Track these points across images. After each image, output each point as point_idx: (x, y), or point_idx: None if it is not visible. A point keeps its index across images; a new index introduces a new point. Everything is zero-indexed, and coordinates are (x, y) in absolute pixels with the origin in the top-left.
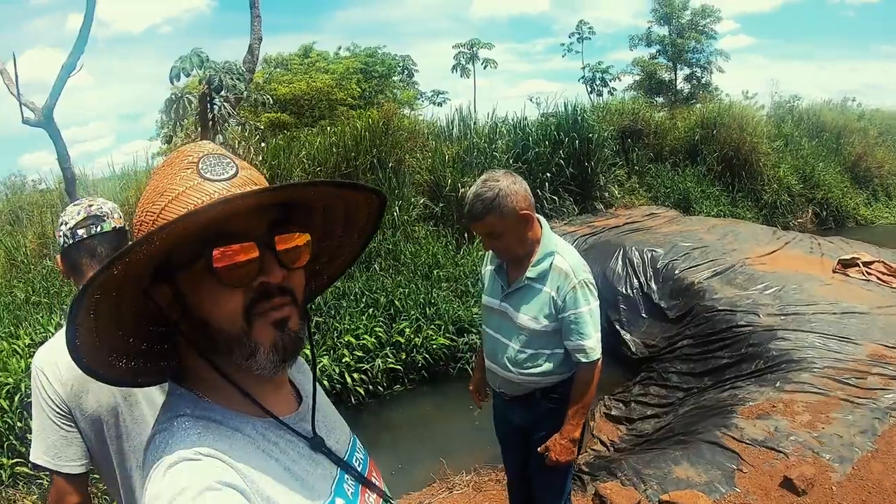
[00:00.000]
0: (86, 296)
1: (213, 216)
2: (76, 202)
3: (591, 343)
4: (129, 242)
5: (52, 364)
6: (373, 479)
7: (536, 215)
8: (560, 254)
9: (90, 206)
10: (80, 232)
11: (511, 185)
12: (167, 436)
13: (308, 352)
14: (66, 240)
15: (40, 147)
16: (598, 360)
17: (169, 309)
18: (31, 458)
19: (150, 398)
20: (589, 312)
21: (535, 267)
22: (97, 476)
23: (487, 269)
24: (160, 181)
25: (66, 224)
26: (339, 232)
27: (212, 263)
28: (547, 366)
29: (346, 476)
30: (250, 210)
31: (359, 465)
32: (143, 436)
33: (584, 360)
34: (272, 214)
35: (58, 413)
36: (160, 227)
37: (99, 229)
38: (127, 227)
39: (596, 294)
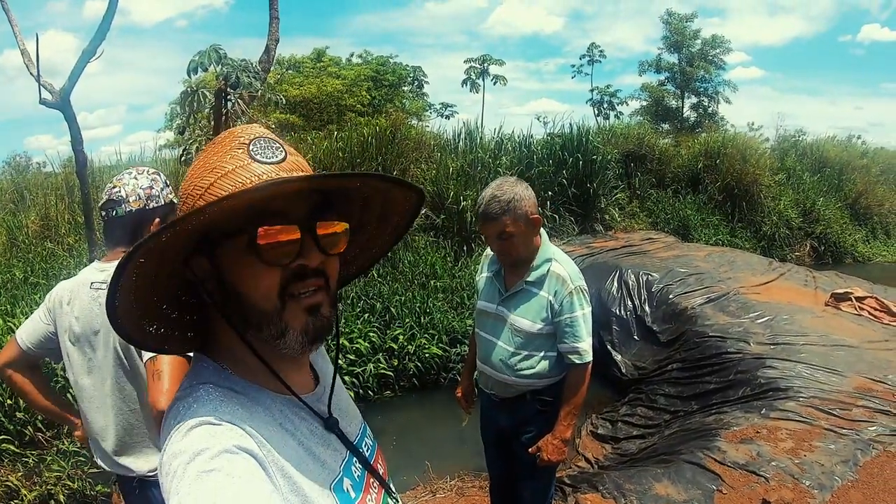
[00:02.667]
0: (132, 259)
1: (264, 196)
2: (120, 176)
3: (584, 346)
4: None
5: (65, 284)
6: (378, 467)
7: None
8: (557, 261)
9: (114, 188)
10: (103, 213)
11: (524, 191)
12: (190, 401)
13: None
14: (101, 218)
15: (45, 131)
16: (590, 362)
17: (205, 281)
18: None
19: (94, 359)
20: (583, 317)
21: (534, 272)
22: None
23: (483, 276)
24: (210, 158)
25: (99, 203)
26: (373, 225)
27: (255, 240)
28: (540, 367)
29: (355, 459)
30: (296, 194)
31: (367, 451)
32: (79, 379)
33: (577, 361)
34: (314, 200)
35: (46, 307)
36: (212, 202)
37: (114, 213)
38: (149, 208)
39: (589, 301)
